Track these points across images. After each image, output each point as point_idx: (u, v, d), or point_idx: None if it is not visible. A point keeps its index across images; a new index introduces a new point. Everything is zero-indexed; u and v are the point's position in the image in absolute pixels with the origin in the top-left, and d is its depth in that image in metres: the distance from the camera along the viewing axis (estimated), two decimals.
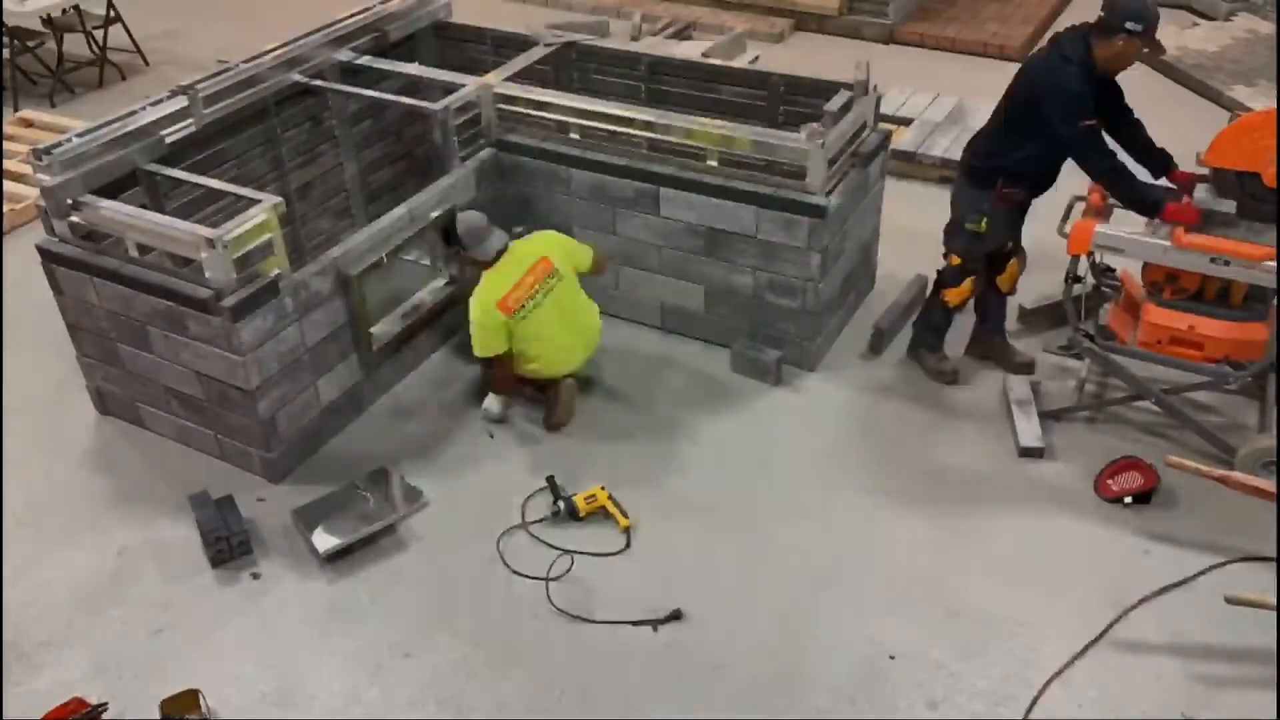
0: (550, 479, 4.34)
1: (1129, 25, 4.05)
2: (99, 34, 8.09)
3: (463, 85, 5.13)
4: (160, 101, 4.72)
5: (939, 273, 4.78)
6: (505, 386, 4.72)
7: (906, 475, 4.45)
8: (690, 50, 7.63)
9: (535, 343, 4.55)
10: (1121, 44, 4.10)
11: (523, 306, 4.47)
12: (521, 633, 3.83)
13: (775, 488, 4.40)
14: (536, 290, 4.50)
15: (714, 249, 4.89)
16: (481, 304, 4.47)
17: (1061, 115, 4.12)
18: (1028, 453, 4.48)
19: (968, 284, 4.68)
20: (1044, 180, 4.47)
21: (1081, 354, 4.55)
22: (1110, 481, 4.29)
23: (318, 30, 5.39)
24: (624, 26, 8.65)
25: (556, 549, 4.12)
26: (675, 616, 3.84)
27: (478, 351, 4.57)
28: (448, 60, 5.93)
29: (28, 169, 5.99)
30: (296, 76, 5.21)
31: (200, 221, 4.37)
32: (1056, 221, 4.53)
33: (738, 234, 4.78)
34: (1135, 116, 4.43)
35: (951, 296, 4.71)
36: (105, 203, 4.28)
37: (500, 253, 4.51)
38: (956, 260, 4.65)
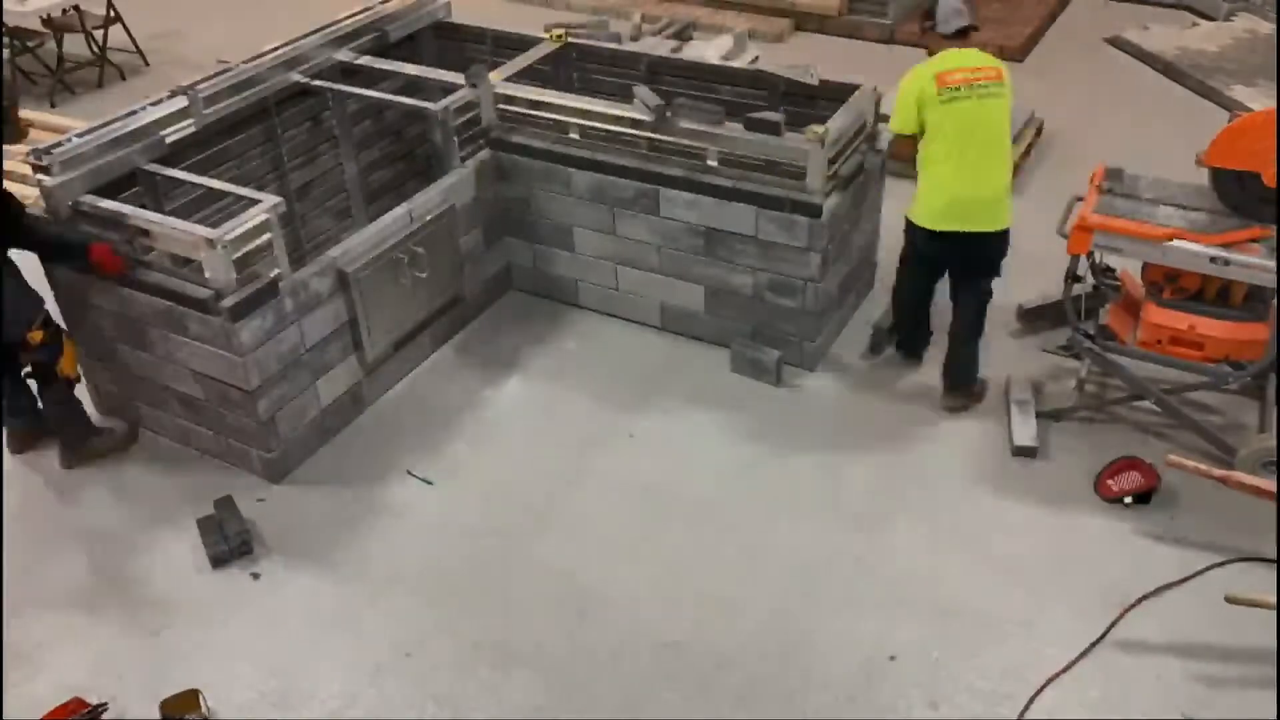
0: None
1: None
2: (99, 34, 8.09)
3: (463, 85, 5.12)
4: (160, 101, 4.71)
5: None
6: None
7: (906, 475, 4.45)
8: (705, 52, 7.63)
9: (943, 147, 4.31)
10: None
11: (956, 90, 4.26)
12: (522, 632, 3.84)
13: (775, 487, 4.40)
14: (976, 85, 4.27)
15: (714, 249, 4.89)
16: (917, 70, 4.36)
17: None
18: (1021, 452, 4.47)
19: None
20: None
21: (1081, 354, 4.55)
22: (1110, 481, 4.29)
23: (318, 30, 5.40)
24: (624, 26, 8.65)
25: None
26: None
27: (892, 124, 4.46)
28: (448, 60, 5.93)
29: (28, 169, 5.98)
30: (296, 76, 5.21)
31: (200, 221, 4.37)
32: (1056, 222, 4.53)
33: (738, 234, 4.79)
34: None
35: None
36: (105, 203, 4.28)
37: (960, 32, 4.55)
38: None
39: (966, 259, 4.51)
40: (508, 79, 5.18)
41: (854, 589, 3.96)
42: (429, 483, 4.42)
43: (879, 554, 4.10)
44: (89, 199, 4.27)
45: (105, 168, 4.40)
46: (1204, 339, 4.24)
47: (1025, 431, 4.53)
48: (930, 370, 4.96)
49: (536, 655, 3.76)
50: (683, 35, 8.56)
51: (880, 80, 5.07)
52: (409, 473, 4.48)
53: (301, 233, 5.56)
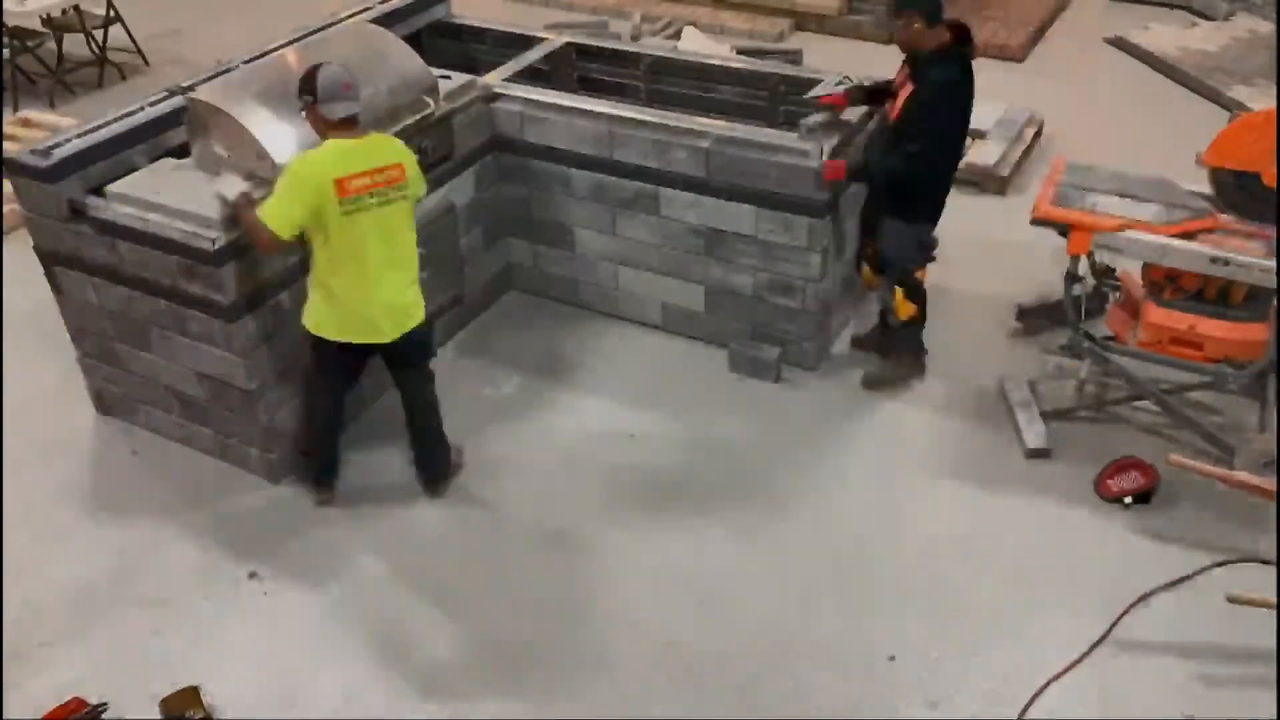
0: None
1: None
2: (99, 34, 8.09)
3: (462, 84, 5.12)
4: (158, 102, 4.70)
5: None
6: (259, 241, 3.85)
7: (906, 475, 4.45)
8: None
9: (347, 258, 3.82)
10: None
11: (357, 199, 3.74)
12: (522, 632, 3.83)
13: (774, 487, 4.40)
14: (378, 192, 3.79)
15: (714, 249, 4.89)
16: (314, 167, 3.74)
17: None
18: (1035, 454, 4.47)
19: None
20: None
21: (1081, 354, 4.55)
22: (1110, 481, 4.29)
23: (318, 30, 5.39)
24: (624, 27, 8.65)
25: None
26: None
27: (267, 214, 3.72)
28: (448, 60, 5.92)
29: None
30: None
31: None
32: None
33: (738, 234, 4.78)
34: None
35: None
36: (105, 203, 4.27)
37: (347, 121, 3.79)
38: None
39: (400, 355, 4.13)
40: (508, 79, 5.18)
41: (853, 589, 3.96)
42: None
43: (878, 553, 4.10)
44: (90, 199, 4.27)
45: (105, 168, 4.38)
46: (1204, 339, 4.24)
47: (1034, 433, 4.52)
48: (929, 371, 4.96)
49: (536, 655, 3.76)
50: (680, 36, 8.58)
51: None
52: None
53: None
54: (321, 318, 3.97)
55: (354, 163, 3.77)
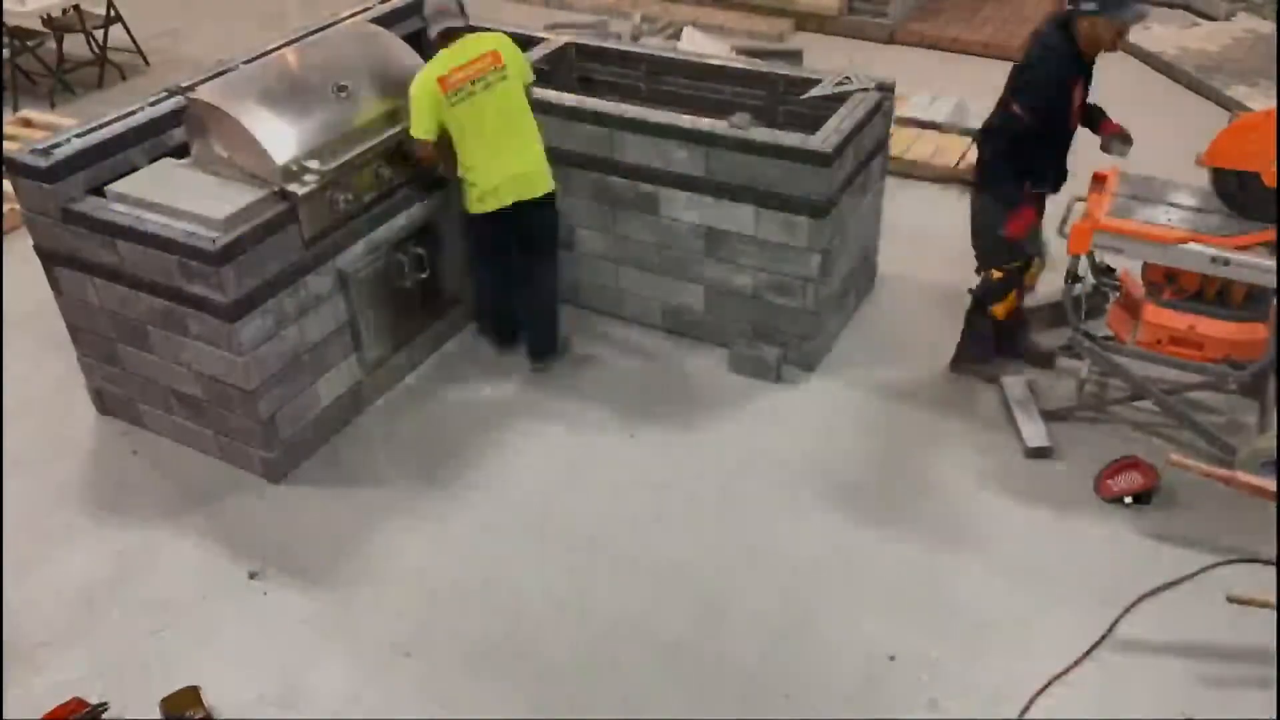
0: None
1: (1085, 5, 4.11)
2: (99, 34, 8.09)
3: None
4: (158, 102, 4.70)
5: (980, 289, 4.67)
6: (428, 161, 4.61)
7: (906, 475, 4.45)
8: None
9: (471, 140, 4.48)
10: (1085, 24, 4.16)
11: (460, 90, 4.39)
12: (522, 633, 3.83)
13: (775, 487, 4.40)
14: (480, 78, 4.44)
15: (714, 249, 4.89)
16: (422, 77, 4.41)
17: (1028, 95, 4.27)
18: (1036, 453, 4.46)
19: (1013, 295, 4.64)
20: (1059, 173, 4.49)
21: (1081, 354, 4.55)
22: (1110, 481, 4.29)
23: (318, 30, 5.39)
24: (624, 27, 8.65)
25: None
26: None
27: (412, 130, 4.48)
28: None
29: None
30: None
31: None
32: (1056, 222, 4.53)
33: (738, 234, 4.78)
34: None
35: (999, 311, 4.65)
36: (105, 203, 4.27)
37: (446, 35, 4.46)
38: (999, 274, 4.56)
39: (528, 234, 4.77)
40: None
41: (854, 589, 3.96)
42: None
43: (878, 553, 4.10)
44: (90, 199, 4.26)
45: (105, 167, 4.38)
46: (1204, 339, 4.24)
47: (1037, 433, 4.51)
48: (927, 371, 4.96)
49: (537, 655, 3.76)
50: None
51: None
52: None
53: None
54: (471, 200, 4.61)
55: (451, 62, 4.41)
